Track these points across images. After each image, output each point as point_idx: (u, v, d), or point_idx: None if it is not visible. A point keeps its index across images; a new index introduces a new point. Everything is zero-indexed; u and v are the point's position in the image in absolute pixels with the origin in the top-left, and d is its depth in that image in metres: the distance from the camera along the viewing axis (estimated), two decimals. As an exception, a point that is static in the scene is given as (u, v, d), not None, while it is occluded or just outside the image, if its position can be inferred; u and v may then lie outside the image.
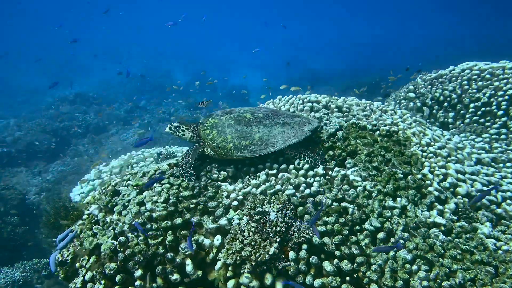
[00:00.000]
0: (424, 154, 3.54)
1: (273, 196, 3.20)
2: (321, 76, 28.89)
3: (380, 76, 18.69)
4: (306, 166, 3.46)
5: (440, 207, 3.07)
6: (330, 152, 3.53)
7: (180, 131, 3.96)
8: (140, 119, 18.64)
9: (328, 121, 4.04)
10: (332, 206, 3.09)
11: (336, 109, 4.25)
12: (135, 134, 15.99)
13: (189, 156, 3.63)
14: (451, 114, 5.40)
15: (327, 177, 3.39)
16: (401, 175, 3.28)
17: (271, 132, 3.60)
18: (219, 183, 3.50)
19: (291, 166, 3.48)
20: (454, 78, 5.56)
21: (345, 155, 3.51)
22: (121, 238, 3.06)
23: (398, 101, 5.91)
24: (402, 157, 3.44)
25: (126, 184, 3.53)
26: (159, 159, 6.38)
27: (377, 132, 3.78)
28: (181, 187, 3.38)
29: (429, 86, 5.70)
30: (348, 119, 4.04)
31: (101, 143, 15.47)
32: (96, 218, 3.40)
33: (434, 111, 5.55)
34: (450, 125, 5.38)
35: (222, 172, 3.56)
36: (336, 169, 3.39)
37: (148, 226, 3.10)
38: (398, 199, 3.11)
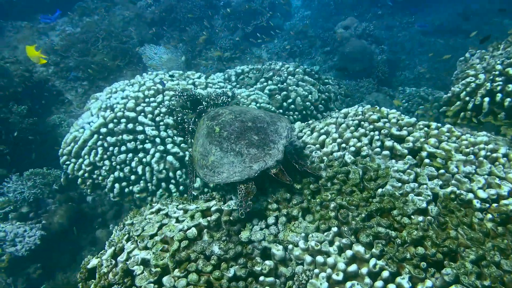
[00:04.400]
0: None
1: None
2: None
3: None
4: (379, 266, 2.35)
5: None
6: (420, 250, 2.39)
7: None
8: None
9: (415, 184, 2.71)
10: None
11: (427, 160, 2.85)
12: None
13: None
14: None
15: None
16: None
17: (222, 159, 2.96)
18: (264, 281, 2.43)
19: (364, 270, 2.37)
20: None
21: (441, 256, 2.38)
22: None
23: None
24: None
25: (139, 262, 2.48)
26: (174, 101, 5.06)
27: (489, 215, 2.55)
28: (212, 278, 2.37)
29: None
30: (446, 178, 2.71)
31: (114, 2, 13.09)
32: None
33: None
34: None
35: (267, 263, 2.47)
36: (429, 283, 2.31)
37: None
38: None
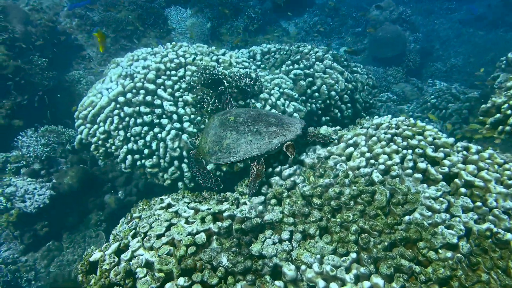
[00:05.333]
0: None
1: None
2: None
3: None
4: None
5: None
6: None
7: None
8: None
9: (446, 215, 2.43)
10: None
11: (463, 189, 2.54)
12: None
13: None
14: None
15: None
16: None
17: (239, 140, 3.07)
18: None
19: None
20: None
21: (467, 299, 2.16)
22: None
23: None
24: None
25: (142, 264, 2.31)
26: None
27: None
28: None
29: None
30: (482, 212, 2.43)
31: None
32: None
33: None
34: None
35: (276, 283, 2.27)
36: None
37: None
38: None
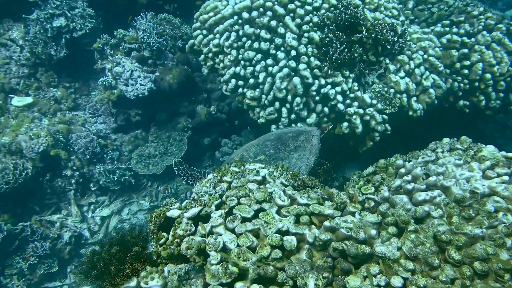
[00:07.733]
0: None
1: None
2: None
3: None
4: None
5: None
6: None
7: None
8: None
9: None
10: None
11: None
12: None
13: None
14: None
15: None
16: None
17: (290, 163, 3.38)
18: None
19: None
20: None
21: None
22: None
23: None
24: None
25: (218, 248, 1.88)
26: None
27: None
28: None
29: None
30: None
31: None
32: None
33: None
34: None
35: None
36: None
37: None
38: None
